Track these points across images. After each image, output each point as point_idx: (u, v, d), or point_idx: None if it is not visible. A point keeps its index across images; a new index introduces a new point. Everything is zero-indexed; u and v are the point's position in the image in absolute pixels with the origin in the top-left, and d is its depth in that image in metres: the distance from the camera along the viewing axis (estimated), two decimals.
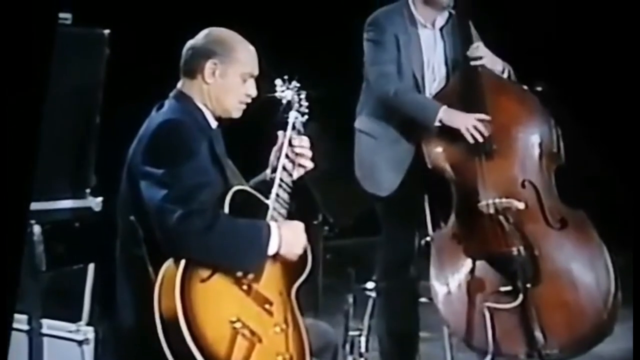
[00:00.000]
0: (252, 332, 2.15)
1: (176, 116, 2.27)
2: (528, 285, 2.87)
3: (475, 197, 2.98)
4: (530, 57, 4.06)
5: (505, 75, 3.18)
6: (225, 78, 2.31)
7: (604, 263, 2.92)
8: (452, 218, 3.04)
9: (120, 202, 2.31)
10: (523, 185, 3.03)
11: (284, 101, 2.44)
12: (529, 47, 4.36)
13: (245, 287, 2.19)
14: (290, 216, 2.34)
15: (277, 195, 2.31)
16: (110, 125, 3.16)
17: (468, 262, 2.95)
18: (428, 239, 3.10)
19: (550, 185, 3.06)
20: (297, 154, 2.39)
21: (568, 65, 4.70)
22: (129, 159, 2.28)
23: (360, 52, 3.22)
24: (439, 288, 2.95)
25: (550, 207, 3.01)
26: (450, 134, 3.07)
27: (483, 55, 3.13)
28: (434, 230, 3.10)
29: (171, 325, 2.07)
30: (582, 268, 2.93)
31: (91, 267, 3.07)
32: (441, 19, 3.21)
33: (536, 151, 3.07)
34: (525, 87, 3.18)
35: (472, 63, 3.11)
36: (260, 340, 2.16)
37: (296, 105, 2.44)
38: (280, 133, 2.41)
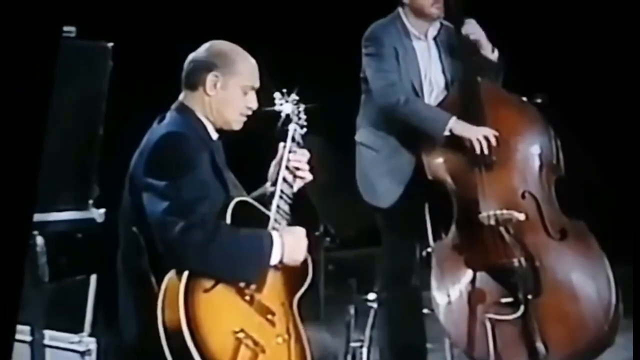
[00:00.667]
0: (255, 343, 2.16)
1: (178, 128, 2.28)
2: (529, 297, 2.88)
3: (476, 209, 2.99)
4: (529, 69, 4.09)
5: (495, 55, 3.17)
6: (227, 90, 2.33)
7: (605, 274, 2.92)
8: (453, 229, 3.04)
9: (122, 213, 2.32)
10: (523, 197, 3.04)
11: (283, 114, 2.46)
12: (529, 59, 4.38)
13: (247, 297, 2.20)
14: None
15: (278, 206, 2.33)
16: (113, 137, 3.17)
17: (469, 273, 2.95)
18: (429, 249, 3.11)
19: (551, 196, 3.07)
20: (296, 167, 2.40)
21: (568, 77, 4.71)
22: (131, 170, 2.29)
23: (361, 64, 3.24)
24: (439, 299, 2.95)
25: (550, 218, 3.02)
26: (451, 145, 3.09)
27: (476, 33, 3.13)
28: (435, 241, 3.10)
29: (175, 336, 2.07)
30: (582, 279, 2.94)
31: (93, 278, 3.08)
32: (433, 30, 3.24)
33: (536, 162, 3.09)
34: (524, 98, 3.20)
35: (468, 36, 3.10)
36: (263, 351, 2.17)
37: (295, 117, 2.46)
38: (280, 145, 2.43)
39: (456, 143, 3.07)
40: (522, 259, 2.92)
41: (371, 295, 3.34)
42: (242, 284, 2.19)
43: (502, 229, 2.96)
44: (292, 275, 2.31)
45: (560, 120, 3.17)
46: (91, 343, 2.82)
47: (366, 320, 3.35)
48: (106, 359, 2.78)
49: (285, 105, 2.46)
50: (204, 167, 2.26)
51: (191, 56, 2.38)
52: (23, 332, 2.70)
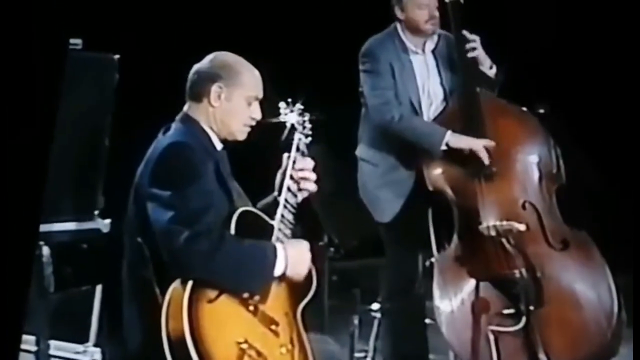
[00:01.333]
0: (259, 353, 2.16)
1: (182, 139, 2.30)
2: (531, 308, 2.88)
3: (477, 220, 3.00)
4: (530, 79, 4.10)
5: (493, 72, 3.19)
6: (231, 101, 2.35)
7: (607, 284, 2.92)
8: (455, 240, 3.05)
9: (127, 223, 2.33)
10: (524, 207, 3.05)
11: (288, 124, 2.48)
12: (529, 68, 4.39)
13: (251, 307, 2.20)
14: (296, 237, 2.35)
15: (282, 216, 2.33)
16: (119, 148, 3.19)
17: (471, 284, 2.95)
18: (432, 260, 3.11)
19: (552, 206, 3.07)
20: (301, 177, 2.41)
21: (569, 86, 4.72)
22: (136, 181, 2.30)
23: None
24: (442, 310, 2.96)
25: (551, 228, 3.02)
26: (450, 157, 3.10)
27: (476, 47, 3.15)
28: (438, 251, 3.10)
29: (179, 346, 2.08)
30: (584, 289, 2.94)
31: (99, 288, 3.09)
32: (431, 43, 3.25)
33: (535, 172, 3.09)
34: (524, 108, 3.21)
35: (468, 52, 3.12)
36: None
37: (300, 127, 2.47)
38: (285, 155, 2.45)
39: (455, 155, 3.08)
40: (524, 270, 2.93)
41: (375, 306, 3.35)
42: (245, 295, 2.20)
43: (503, 240, 2.96)
44: (296, 285, 2.31)
45: (561, 130, 3.18)
46: (96, 353, 2.84)
47: (370, 331, 3.36)
48: None
49: (290, 115, 2.48)
50: (209, 177, 2.28)
51: (195, 67, 2.39)
52: (28, 342, 2.71)
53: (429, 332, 3.25)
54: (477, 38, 3.18)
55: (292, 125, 2.47)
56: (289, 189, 2.39)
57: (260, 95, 2.39)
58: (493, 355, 2.84)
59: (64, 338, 2.94)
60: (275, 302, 2.26)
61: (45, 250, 2.75)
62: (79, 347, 2.86)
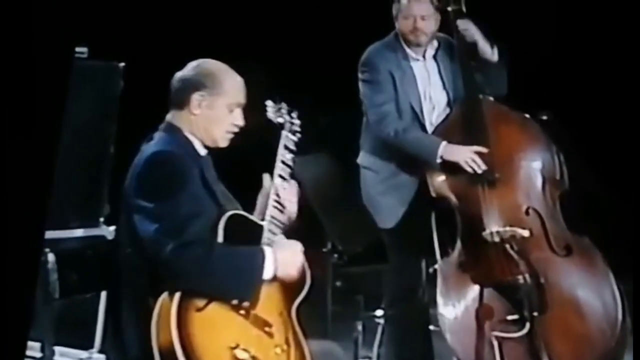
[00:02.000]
0: (253, 357, 2.16)
1: (165, 147, 2.29)
2: (535, 314, 2.88)
3: (480, 226, 3.00)
4: (533, 85, 4.10)
5: (495, 55, 3.17)
6: (213, 109, 2.33)
7: (611, 290, 2.92)
8: (458, 246, 3.06)
9: (120, 233, 2.33)
10: (527, 213, 3.05)
11: (276, 122, 2.46)
12: (532, 76, 4.40)
13: (243, 311, 2.20)
14: (295, 238, 2.35)
15: (272, 216, 2.33)
16: (124, 156, 3.20)
17: (475, 290, 2.94)
18: (436, 266, 3.11)
19: (555, 211, 3.07)
20: (282, 202, 2.37)
21: (572, 93, 4.72)
22: (124, 191, 2.30)
23: None
24: (446, 316, 2.96)
25: (555, 234, 3.02)
26: (452, 164, 3.10)
27: (471, 31, 3.13)
28: (441, 257, 3.10)
29: (168, 356, 2.08)
30: (588, 295, 2.94)
31: (103, 294, 3.09)
32: (431, 49, 3.25)
33: (539, 178, 3.10)
34: (527, 115, 3.22)
35: (464, 35, 3.10)
36: None
37: (288, 124, 2.46)
38: (265, 177, 2.40)
39: (453, 165, 3.08)
40: (527, 276, 2.92)
41: (378, 312, 3.35)
42: (235, 302, 2.18)
43: (506, 246, 2.97)
44: (290, 284, 2.30)
45: (564, 136, 3.18)
46: (101, 359, 2.84)
47: (374, 337, 3.36)
48: None
49: (278, 112, 2.47)
50: (195, 183, 2.27)
51: (178, 75, 2.38)
52: (33, 348, 2.72)
53: (433, 338, 3.25)
54: (467, 21, 3.14)
55: (280, 123, 2.45)
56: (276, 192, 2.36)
57: (243, 102, 2.38)
58: None
59: (69, 344, 2.95)
60: (269, 303, 2.25)
61: (51, 257, 2.75)
62: (84, 354, 2.87)
